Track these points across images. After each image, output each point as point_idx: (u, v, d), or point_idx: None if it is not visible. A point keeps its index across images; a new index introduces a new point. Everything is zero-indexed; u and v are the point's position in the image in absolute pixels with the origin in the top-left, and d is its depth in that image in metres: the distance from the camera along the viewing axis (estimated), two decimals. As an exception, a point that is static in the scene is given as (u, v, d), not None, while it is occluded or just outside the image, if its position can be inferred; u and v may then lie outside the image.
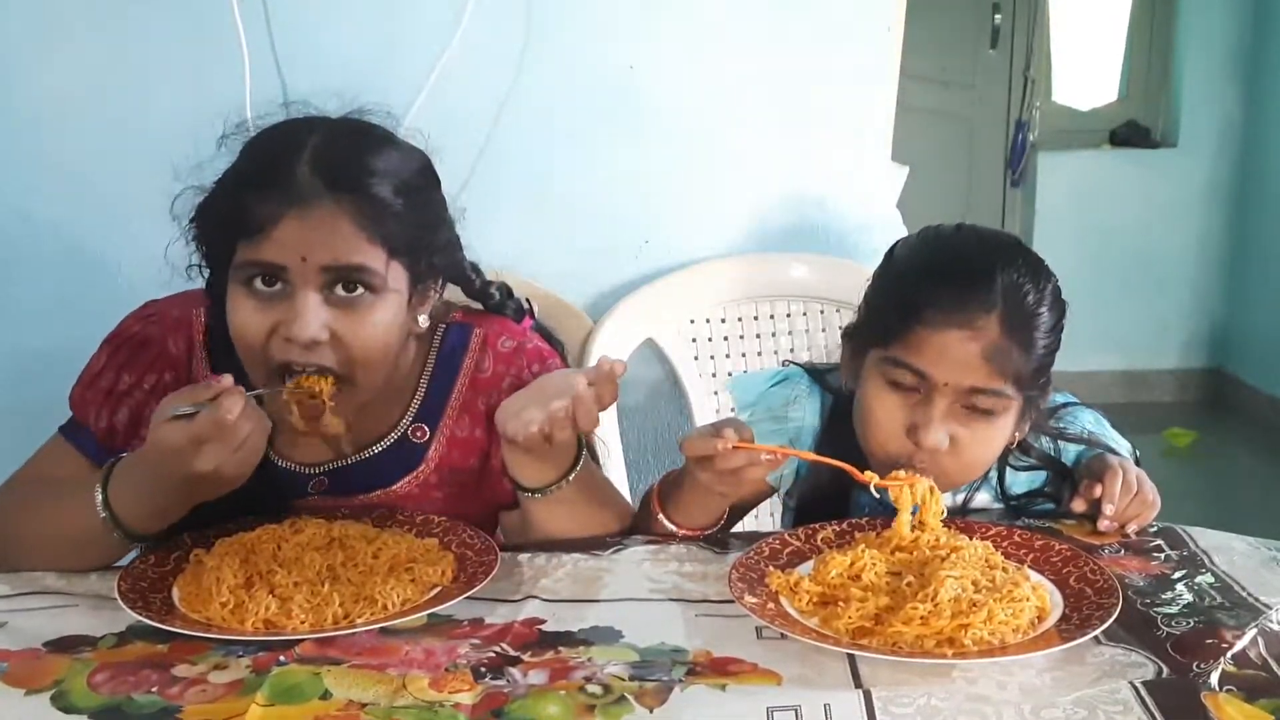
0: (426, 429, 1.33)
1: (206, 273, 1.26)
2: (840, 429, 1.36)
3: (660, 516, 1.30)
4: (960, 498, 1.38)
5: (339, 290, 1.17)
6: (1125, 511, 1.29)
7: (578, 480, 1.26)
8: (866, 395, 1.29)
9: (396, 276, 1.20)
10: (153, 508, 1.17)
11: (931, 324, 1.22)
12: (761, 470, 1.19)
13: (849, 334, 1.37)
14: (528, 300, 1.45)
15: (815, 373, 1.46)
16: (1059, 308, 1.28)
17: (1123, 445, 1.42)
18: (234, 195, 1.18)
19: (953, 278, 1.24)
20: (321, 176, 1.16)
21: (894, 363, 1.25)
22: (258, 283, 1.17)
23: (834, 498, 1.37)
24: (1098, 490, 1.29)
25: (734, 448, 1.16)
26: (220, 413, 1.08)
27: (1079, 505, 1.31)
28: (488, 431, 1.33)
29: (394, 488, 1.33)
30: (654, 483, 1.33)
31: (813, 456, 1.24)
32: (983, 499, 1.39)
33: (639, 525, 1.36)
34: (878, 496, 1.30)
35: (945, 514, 1.21)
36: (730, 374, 2.00)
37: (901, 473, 1.22)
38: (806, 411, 1.41)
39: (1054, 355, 1.28)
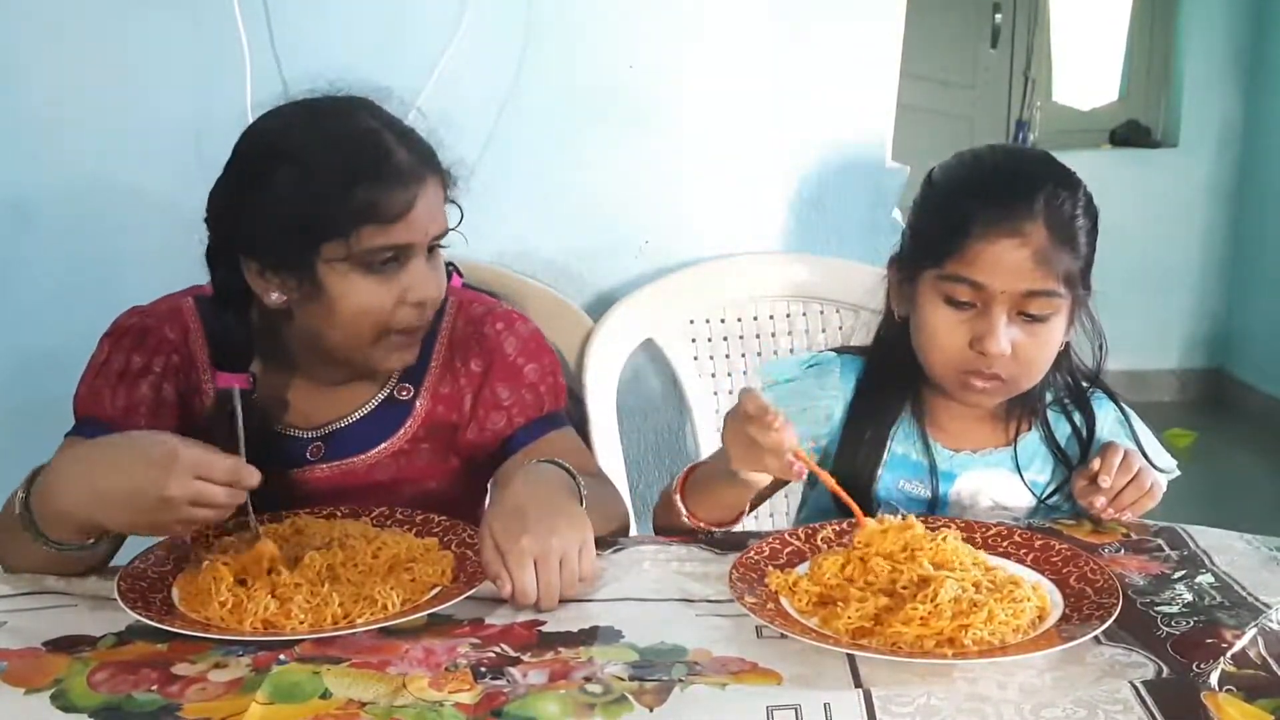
0: (411, 387, 1.41)
1: (222, 268, 1.30)
2: (873, 398, 1.41)
3: (679, 505, 1.31)
4: (982, 481, 1.40)
5: (432, 250, 1.31)
6: (1122, 496, 1.29)
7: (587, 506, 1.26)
8: (925, 315, 1.33)
9: None
10: (81, 518, 1.13)
11: (982, 236, 1.28)
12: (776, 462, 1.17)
13: (896, 261, 1.41)
14: (450, 263, 1.52)
15: (847, 350, 1.49)
16: (1093, 211, 1.34)
17: (1153, 447, 1.42)
18: (352, 189, 1.23)
19: (996, 191, 1.30)
20: (418, 157, 1.28)
21: (951, 279, 1.30)
22: (381, 263, 1.26)
23: (862, 476, 1.39)
24: (1096, 464, 1.30)
25: (780, 422, 1.14)
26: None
27: (1080, 483, 1.32)
28: (461, 384, 1.42)
29: (385, 444, 1.39)
30: (678, 475, 1.34)
31: (832, 486, 1.21)
32: (995, 491, 1.40)
33: (658, 519, 1.37)
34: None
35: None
36: (729, 374, 2.01)
37: (889, 518, 1.19)
38: (841, 391, 1.43)
39: (1094, 254, 1.35)
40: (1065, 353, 1.40)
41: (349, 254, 1.24)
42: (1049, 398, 1.42)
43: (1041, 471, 1.41)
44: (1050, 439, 1.41)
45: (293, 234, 1.23)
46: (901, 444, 1.40)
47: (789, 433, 1.15)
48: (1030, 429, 1.42)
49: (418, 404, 1.41)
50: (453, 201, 1.33)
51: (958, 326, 1.31)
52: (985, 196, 1.30)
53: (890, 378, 1.41)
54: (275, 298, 1.27)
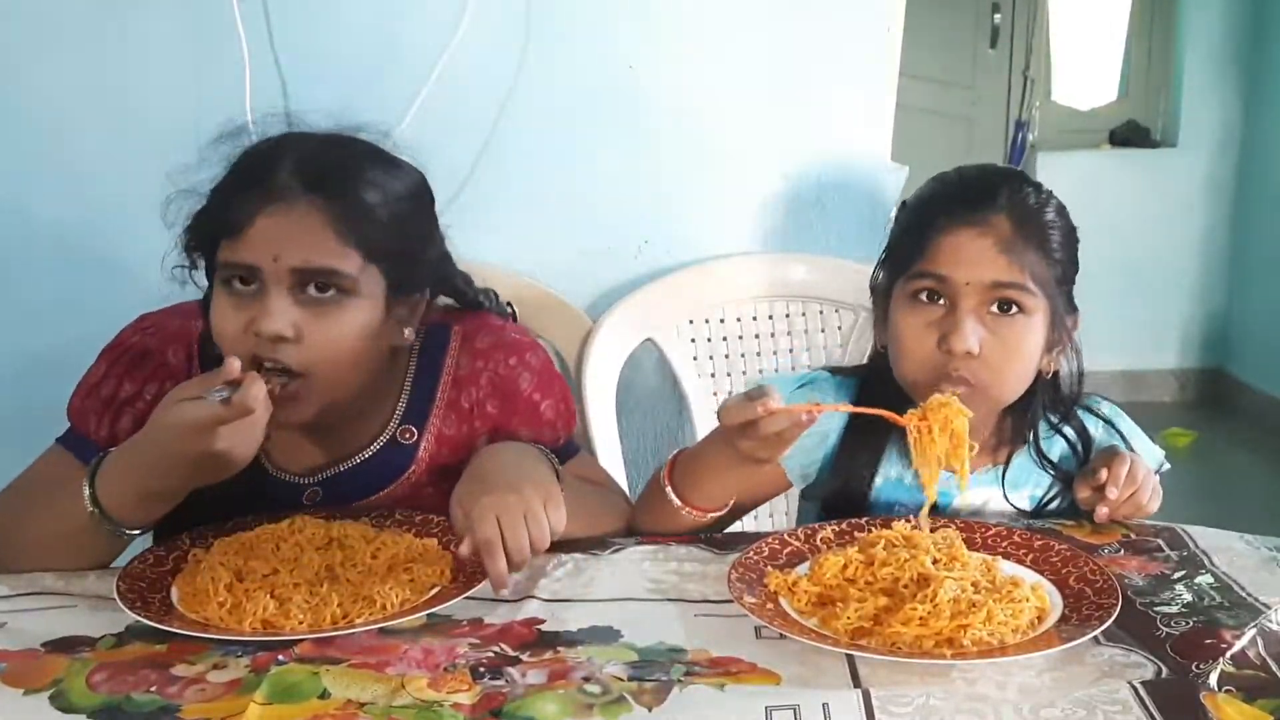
0: (414, 430, 1.35)
1: (203, 279, 1.29)
2: (866, 422, 1.38)
3: (668, 491, 1.29)
4: (975, 498, 1.39)
5: (310, 290, 1.20)
6: (1120, 507, 1.30)
7: (568, 488, 1.25)
8: (896, 324, 1.34)
9: (372, 282, 1.23)
10: (144, 492, 1.16)
11: (945, 229, 1.29)
12: (800, 430, 1.17)
13: (874, 288, 1.42)
14: (510, 305, 1.49)
15: (840, 371, 1.48)
16: (1066, 220, 1.34)
17: (1141, 442, 1.43)
18: (218, 197, 1.23)
19: (959, 193, 1.33)
20: (301, 178, 1.20)
21: (916, 276, 1.31)
22: (236, 282, 1.20)
23: (854, 498, 1.38)
24: (1104, 475, 1.30)
25: (773, 411, 1.14)
26: (247, 398, 1.09)
27: (1083, 491, 1.32)
28: (474, 427, 1.36)
29: (386, 491, 1.34)
30: (664, 462, 1.33)
31: (849, 408, 1.28)
32: (990, 511, 1.39)
33: (642, 511, 1.36)
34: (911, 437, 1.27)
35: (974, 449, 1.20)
36: (729, 374, 2.01)
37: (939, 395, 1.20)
38: (835, 414, 1.41)
39: (1073, 269, 1.34)
40: (1054, 377, 1.39)
41: (216, 268, 1.22)
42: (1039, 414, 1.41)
43: (1038, 486, 1.41)
44: (1042, 456, 1.40)
45: (200, 247, 1.25)
46: (894, 466, 1.40)
47: (780, 409, 1.14)
48: (1023, 446, 1.41)
49: (421, 448, 1.35)
50: (372, 244, 1.21)
51: (926, 328, 1.30)
52: (949, 199, 1.32)
53: (882, 401, 1.38)
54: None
